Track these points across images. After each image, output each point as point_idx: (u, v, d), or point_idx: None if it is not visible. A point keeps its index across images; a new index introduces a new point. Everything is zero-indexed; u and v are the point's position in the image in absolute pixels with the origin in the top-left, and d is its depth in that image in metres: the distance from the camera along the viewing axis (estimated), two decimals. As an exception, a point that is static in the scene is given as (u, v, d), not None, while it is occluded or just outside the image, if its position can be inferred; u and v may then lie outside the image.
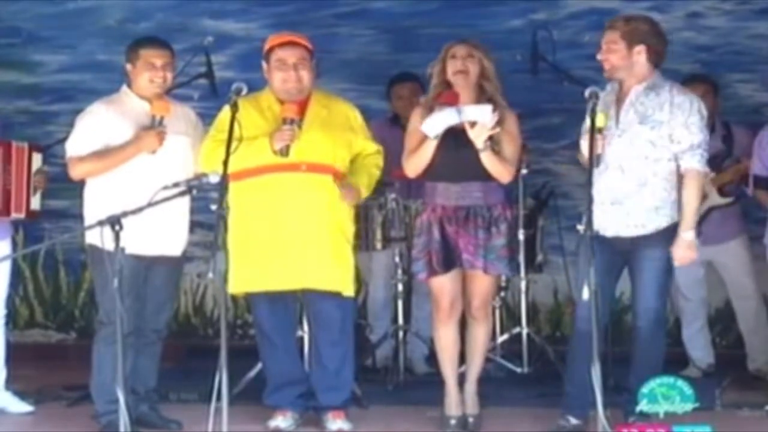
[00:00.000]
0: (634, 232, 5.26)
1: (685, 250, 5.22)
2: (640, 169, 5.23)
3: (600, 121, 5.10)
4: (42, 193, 6.03)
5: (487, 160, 5.35)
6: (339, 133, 5.60)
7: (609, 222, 5.25)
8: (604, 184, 5.23)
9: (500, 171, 5.39)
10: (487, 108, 5.29)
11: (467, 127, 5.30)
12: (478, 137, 5.30)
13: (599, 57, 5.27)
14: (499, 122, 5.32)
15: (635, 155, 5.23)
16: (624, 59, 5.24)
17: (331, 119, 5.61)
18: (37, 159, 5.99)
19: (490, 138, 5.32)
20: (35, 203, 6.00)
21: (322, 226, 5.51)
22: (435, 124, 5.34)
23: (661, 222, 5.27)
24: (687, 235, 5.21)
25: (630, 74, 5.27)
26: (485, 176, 5.40)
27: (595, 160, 5.09)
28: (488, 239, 5.42)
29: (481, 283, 5.50)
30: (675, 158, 5.24)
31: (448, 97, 5.41)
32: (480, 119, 5.28)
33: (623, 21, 5.32)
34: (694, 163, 5.24)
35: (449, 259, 5.45)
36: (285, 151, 5.44)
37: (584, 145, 5.25)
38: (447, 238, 5.44)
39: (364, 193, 5.69)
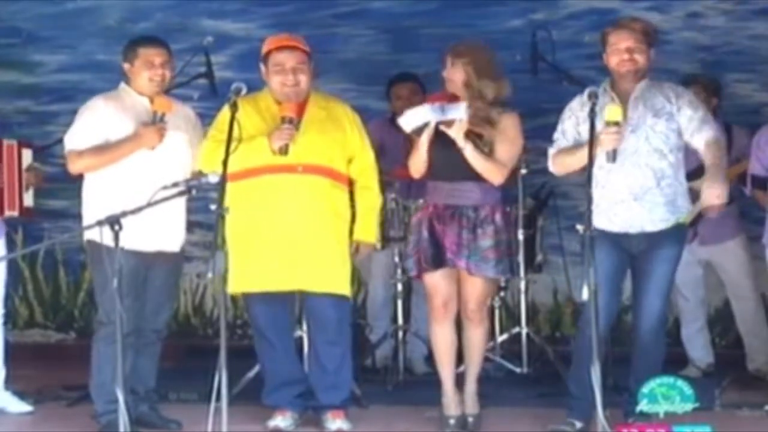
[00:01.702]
0: (660, 227, 5.27)
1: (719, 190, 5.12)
2: (657, 162, 5.25)
3: (616, 114, 5.09)
4: (35, 190, 6.00)
5: (472, 158, 5.34)
6: (336, 135, 5.59)
7: (635, 218, 5.26)
8: (622, 181, 5.24)
9: (489, 170, 5.37)
10: (462, 105, 5.31)
11: (444, 126, 5.31)
12: (456, 135, 5.32)
13: (624, 58, 5.25)
14: (491, 123, 5.34)
15: (651, 149, 5.24)
16: (648, 60, 5.29)
17: (329, 120, 5.60)
18: (27, 156, 5.96)
19: (479, 138, 5.33)
20: (28, 200, 5.97)
21: (318, 227, 5.50)
22: (409, 119, 5.38)
23: (681, 214, 5.31)
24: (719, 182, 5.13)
25: (641, 74, 5.32)
26: (479, 176, 5.39)
27: (610, 155, 5.10)
28: (473, 240, 5.40)
29: (474, 286, 5.47)
30: (687, 144, 5.26)
31: (438, 98, 5.44)
32: (456, 116, 5.31)
33: (639, 22, 5.36)
34: (712, 132, 5.26)
35: (438, 257, 5.44)
36: (284, 150, 5.43)
37: (560, 157, 5.30)
38: (435, 236, 5.44)
39: (372, 236, 5.75)
